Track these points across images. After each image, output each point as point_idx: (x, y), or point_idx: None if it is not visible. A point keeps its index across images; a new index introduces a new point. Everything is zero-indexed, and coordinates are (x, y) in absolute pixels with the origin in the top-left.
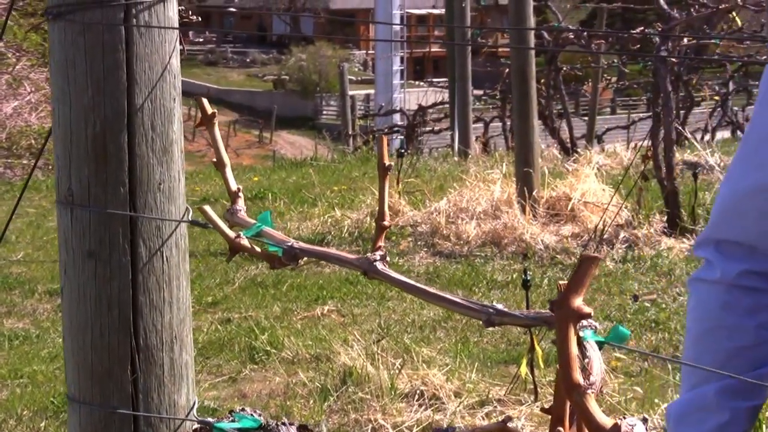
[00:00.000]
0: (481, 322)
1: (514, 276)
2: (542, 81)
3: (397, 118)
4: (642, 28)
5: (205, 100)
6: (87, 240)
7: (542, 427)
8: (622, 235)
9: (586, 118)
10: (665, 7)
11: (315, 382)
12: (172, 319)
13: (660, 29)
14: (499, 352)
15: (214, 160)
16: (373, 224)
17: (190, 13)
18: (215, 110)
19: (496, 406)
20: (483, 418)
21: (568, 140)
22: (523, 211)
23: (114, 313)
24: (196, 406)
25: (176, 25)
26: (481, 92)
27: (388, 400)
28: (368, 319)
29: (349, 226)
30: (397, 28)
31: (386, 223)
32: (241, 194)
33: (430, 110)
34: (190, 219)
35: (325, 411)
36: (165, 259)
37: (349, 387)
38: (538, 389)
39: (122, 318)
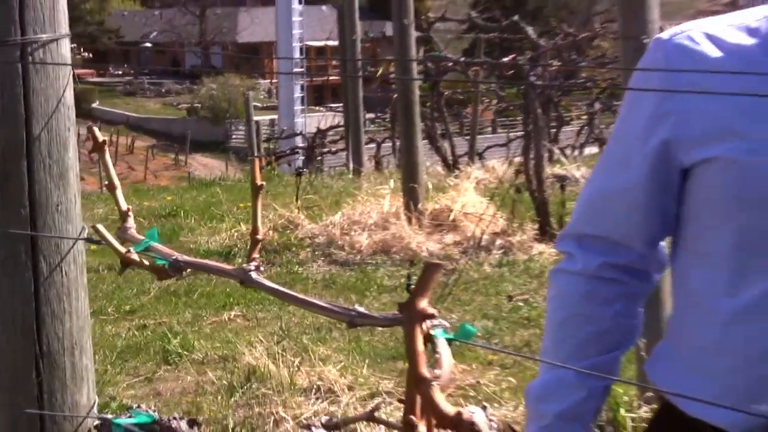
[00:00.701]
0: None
1: (402, 281)
2: (428, 104)
3: (299, 140)
4: (514, 55)
5: (96, 129)
6: None
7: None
8: (498, 242)
9: (468, 137)
10: (534, 36)
11: (223, 380)
12: (72, 327)
13: (529, 57)
14: (388, 349)
15: (107, 183)
16: (275, 236)
17: (83, 50)
18: (105, 139)
19: (385, 398)
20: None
21: (451, 158)
22: (410, 222)
23: (18, 322)
24: (96, 404)
25: (69, 62)
26: (373, 115)
27: (288, 394)
28: (270, 322)
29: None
30: (298, 58)
31: (259, 237)
32: (131, 214)
33: (329, 132)
34: (85, 237)
35: (231, 406)
36: (64, 273)
37: (253, 384)
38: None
39: (26, 327)
